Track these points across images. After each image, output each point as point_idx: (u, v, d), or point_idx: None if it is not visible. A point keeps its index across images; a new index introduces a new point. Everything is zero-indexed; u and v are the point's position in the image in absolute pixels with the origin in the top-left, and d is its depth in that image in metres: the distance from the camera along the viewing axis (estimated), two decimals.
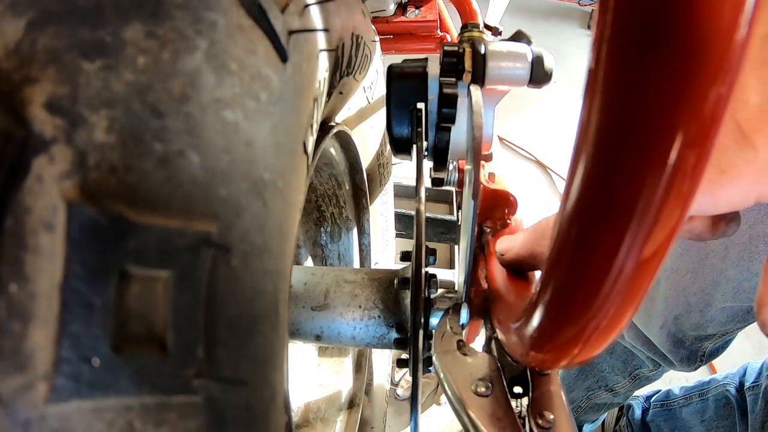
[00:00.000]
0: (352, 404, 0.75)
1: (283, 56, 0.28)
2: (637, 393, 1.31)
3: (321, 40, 0.36)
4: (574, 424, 0.40)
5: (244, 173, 0.24)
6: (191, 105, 0.21)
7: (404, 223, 1.08)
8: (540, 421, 0.40)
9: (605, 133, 0.18)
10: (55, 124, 0.18)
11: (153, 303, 0.20)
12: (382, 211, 0.81)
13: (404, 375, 1.36)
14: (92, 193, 0.18)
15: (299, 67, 0.31)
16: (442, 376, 0.45)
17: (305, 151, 0.32)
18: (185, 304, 0.21)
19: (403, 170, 1.17)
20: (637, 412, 1.30)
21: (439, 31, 1.22)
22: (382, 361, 0.89)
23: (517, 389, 0.44)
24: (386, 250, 0.88)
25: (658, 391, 1.30)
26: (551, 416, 0.40)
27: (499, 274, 0.51)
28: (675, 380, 1.42)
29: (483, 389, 0.42)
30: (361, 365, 0.79)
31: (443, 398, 1.35)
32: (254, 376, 0.25)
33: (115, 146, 0.19)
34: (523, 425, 0.39)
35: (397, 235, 0.98)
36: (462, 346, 0.47)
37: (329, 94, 0.41)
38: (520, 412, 0.42)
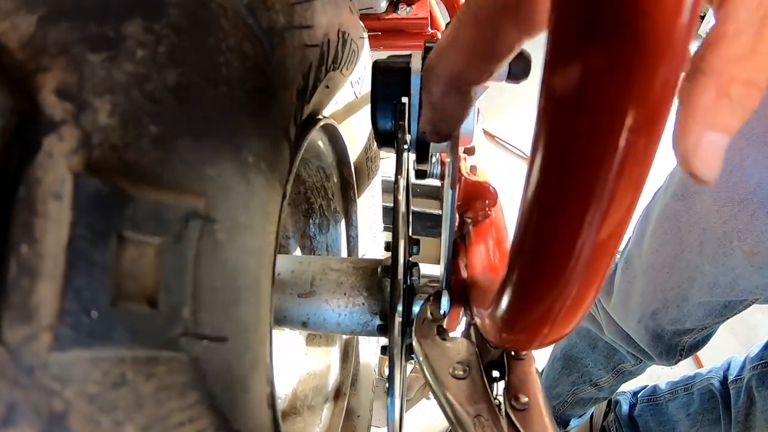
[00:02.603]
0: (338, 393, 0.77)
1: (267, 51, 0.30)
2: (624, 388, 1.33)
3: (305, 36, 0.37)
4: (548, 406, 0.42)
5: (231, 155, 0.26)
6: (184, 93, 0.24)
7: (392, 217, 1.09)
8: (515, 404, 0.41)
9: (560, 125, 0.19)
10: (64, 107, 0.20)
11: (146, 266, 0.22)
12: (369, 204, 0.83)
13: None
14: (96, 167, 0.20)
15: (283, 61, 0.33)
16: (421, 359, 0.46)
17: (288, 139, 0.34)
18: (174, 268, 0.23)
19: (391, 165, 1.18)
20: (625, 408, 1.32)
21: (429, 29, 1.23)
22: (369, 351, 0.91)
23: (495, 373, 0.46)
24: (374, 243, 0.90)
25: (645, 387, 1.32)
26: (525, 399, 0.42)
27: (478, 262, 0.53)
28: (663, 376, 1.44)
29: (461, 372, 0.43)
30: (348, 355, 0.81)
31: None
32: (235, 338, 0.27)
33: (117, 128, 0.21)
34: (499, 407, 0.41)
35: (385, 229, 1.00)
36: (441, 332, 0.48)
37: (315, 88, 0.43)
38: (496, 395, 0.43)
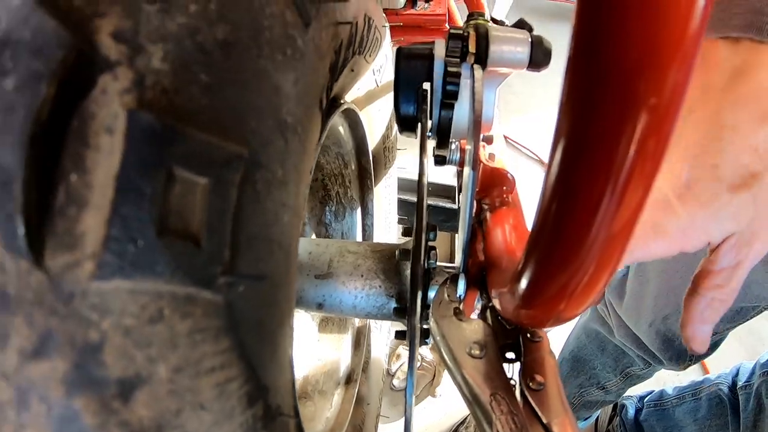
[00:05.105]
0: (349, 380, 0.78)
1: (306, 21, 0.31)
2: (630, 393, 1.32)
3: (339, 12, 0.39)
4: (563, 387, 0.42)
5: (271, 112, 0.27)
6: (231, 48, 0.25)
7: (405, 210, 1.11)
8: (531, 384, 0.42)
9: (579, 123, 0.22)
10: (119, 50, 0.21)
11: (191, 203, 0.23)
12: (385, 193, 0.84)
13: (400, 366, 1.38)
14: (148, 106, 0.21)
15: (319, 32, 0.34)
16: (438, 338, 0.47)
17: (320, 110, 0.35)
18: (217, 209, 0.24)
19: (405, 163, 1.19)
20: (631, 412, 1.31)
21: (447, 25, 1.25)
22: (380, 341, 0.92)
23: (510, 355, 0.46)
24: (388, 233, 0.91)
25: (652, 392, 1.31)
26: (541, 379, 0.42)
27: (496, 246, 0.54)
28: (669, 381, 1.43)
29: (477, 351, 0.44)
30: (360, 342, 0.82)
31: (439, 390, 1.37)
32: (267, 289, 0.28)
33: (169, 72, 0.22)
34: (514, 388, 0.42)
35: (399, 221, 1.01)
36: (458, 313, 0.49)
37: (343, 67, 0.44)
38: (512, 377, 0.44)
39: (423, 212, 0.43)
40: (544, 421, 0.39)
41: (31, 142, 0.19)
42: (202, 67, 0.23)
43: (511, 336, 0.48)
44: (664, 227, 0.36)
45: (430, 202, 1.12)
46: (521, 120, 2.39)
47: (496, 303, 0.47)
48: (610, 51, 0.18)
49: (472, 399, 0.41)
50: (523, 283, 0.33)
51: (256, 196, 0.26)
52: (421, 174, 0.43)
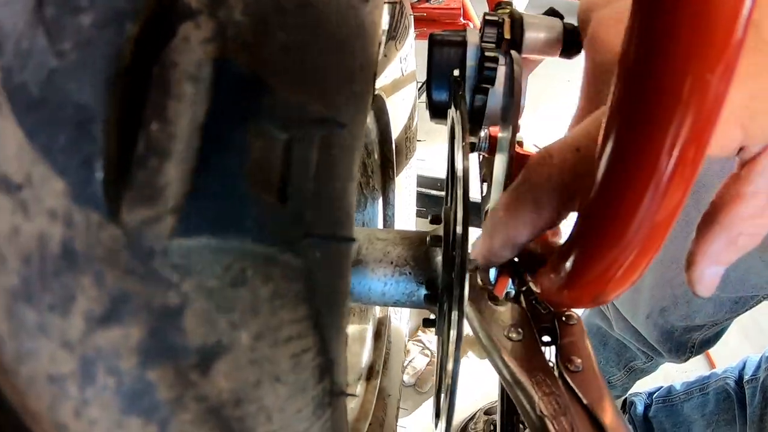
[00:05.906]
0: (371, 371, 0.77)
1: None
2: (639, 389, 1.33)
3: None
4: (599, 368, 0.43)
5: (344, 79, 0.27)
6: (306, 10, 0.24)
7: (423, 203, 1.12)
8: (569, 366, 0.42)
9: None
10: None
11: (277, 160, 0.22)
12: (405, 184, 0.84)
13: (410, 362, 1.38)
14: (234, 55, 0.20)
15: (374, 8, 0.34)
16: (476, 324, 0.47)
17: (373, 86, 0.35)
18: (300, 168, 0.23)
19: (424, 155, 1.19)
20: (639, 409, 1.32)
21: (461, 19, 1.26)
22: (400, 332, 0.91)
23: (546, 338, 0.47)
24: (408, 224, 0.91)
25: (660, 387, 1.32)
26: (579, 361, 0.42)
27: None
28: (678, 377, 1.44)
29: (515, 335, 0.44)
30: (381, 334, 0.81)
31: None
32: (340, 255, 0.27)
33: (249, 26, 0.21)
34: (553, 370, 0.42)
35: (417, 214, 1.01)
36: (492, 298, 0.49)
37: (380, 51, 0.44)
38: (549, 359, 0.44)
39: (467, 196, 0.43)
40: (585, 401, 0.39)
41: (114, 81, 0.18)
42: (280, 26, 0.22)
43: (546, 320, 0.48)
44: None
45: (434, 192, 1.13)
46: (531, 117, 2.40)
47: (533, 286, 0.47)
48: (665, 48, 0.19)
49: (513, 381, 0.41)
50: (568, 265, 0.34)
51: (331, 160, 0.26)
52: (463, 159, 0.43)
